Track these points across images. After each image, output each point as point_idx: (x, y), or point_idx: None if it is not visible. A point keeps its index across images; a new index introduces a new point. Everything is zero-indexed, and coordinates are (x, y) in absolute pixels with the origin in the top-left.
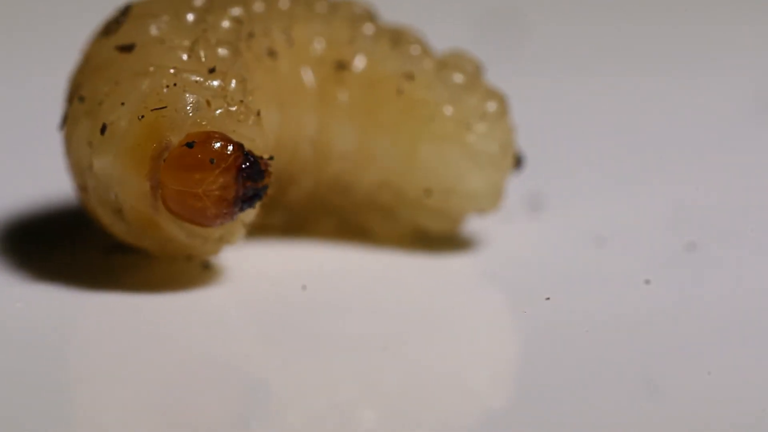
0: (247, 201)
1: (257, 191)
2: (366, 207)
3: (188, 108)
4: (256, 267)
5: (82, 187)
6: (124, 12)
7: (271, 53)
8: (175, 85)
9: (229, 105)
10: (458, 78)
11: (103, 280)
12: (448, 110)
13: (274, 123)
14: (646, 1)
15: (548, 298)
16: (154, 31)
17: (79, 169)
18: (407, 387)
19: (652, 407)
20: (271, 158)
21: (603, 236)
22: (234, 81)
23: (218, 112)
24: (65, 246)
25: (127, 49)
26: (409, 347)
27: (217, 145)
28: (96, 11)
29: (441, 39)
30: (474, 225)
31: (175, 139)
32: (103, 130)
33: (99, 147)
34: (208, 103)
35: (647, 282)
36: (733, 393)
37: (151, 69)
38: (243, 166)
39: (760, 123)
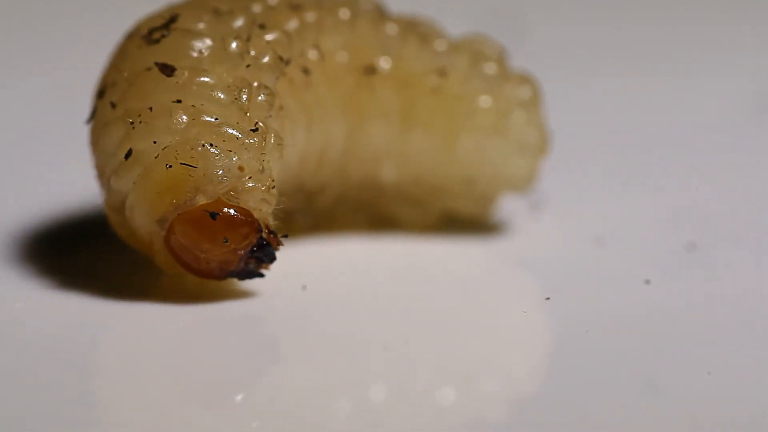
0: (244, 275)
1: (259, 272)
2: (395, 199)
3: (219, 175)
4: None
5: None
6: (170, 22)
7: (305, 71)
8: (211, 145)
9: (263, 176)
10: (490, 68)
11: (107, 280)
12: (487, 102)
13: (301, 141)
14: (646, 1)
15: (548, 298)
16: (195, 54)
17: (99, 171)
18: (408, 387)
19: (652, 407)
20: (285, 236)
21: (603, 236)
22: (273, 138)
23: (249, 185)
24: (83, 251)
25: (167, 69)
26: (411, 346)
27: (239, 228)
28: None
29: None
30: (473, 225)
31: (201, 198)
32: (128, 155)
33: (120, 169)
34: (241, 168)
35: (647, 282)
36: (733, 393)
37: (191, 107)
38: (252, 249)
39: (760, 123)
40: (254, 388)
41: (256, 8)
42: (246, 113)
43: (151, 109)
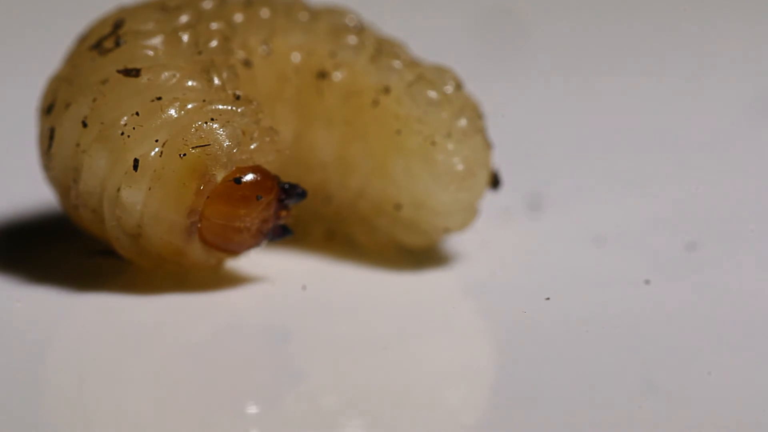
0: (277, 234)
1: (286, 229)
2: (349, 216)
3: (230, 143)
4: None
5: (87, 209)
6: (117, 27)
7: (246, 63)
8: (212, 119)
9: (261, 133)
10: (431, 94)
11: (85, 283)
12: (416, 126)
13: None
14: (646, 1)
15: (548, 298)
16: (152, 53)
17: (87, 201)
18: (408, 390)
19: (652, 407)
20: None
21: (603, 236)
22: (255, 103)
23: (254, 145)
24: (46, 249)
25: (132, 72)
26: (411, 345)
27: (264, 182)
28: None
29: (440, 40)
30: (471, 226)
31: (219, 174)
32: (135, 165)
33: (131, 180)
34: (244, 132)
35: (647, 282)
36: (733, 393)
37: (174, 100)
38: (281, 198)
39: (759, 123)
40: (253, 387)
41: (207, 5)
42: (223, 90)
43: (137, 113)
